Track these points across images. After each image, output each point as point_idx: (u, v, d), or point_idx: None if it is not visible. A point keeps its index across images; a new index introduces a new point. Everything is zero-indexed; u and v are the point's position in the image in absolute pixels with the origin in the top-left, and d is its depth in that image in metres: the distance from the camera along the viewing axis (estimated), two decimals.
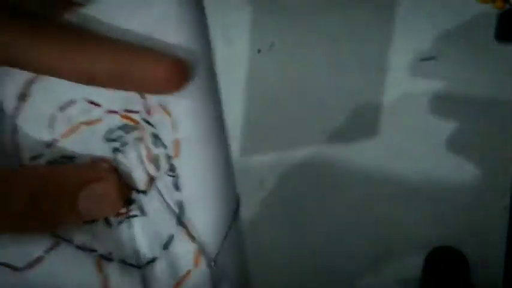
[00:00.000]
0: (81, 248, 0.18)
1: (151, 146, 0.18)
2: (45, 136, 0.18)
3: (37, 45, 0.16)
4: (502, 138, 0.80)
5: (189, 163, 0.18)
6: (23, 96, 0.18)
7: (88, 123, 0.18)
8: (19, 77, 0.18)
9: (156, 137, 0.18)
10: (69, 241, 0.18)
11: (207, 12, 0.19)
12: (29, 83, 0.18)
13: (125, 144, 0.18)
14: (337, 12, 0.88)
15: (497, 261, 0.67)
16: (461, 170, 0.81)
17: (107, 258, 0.18)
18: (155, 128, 0.18)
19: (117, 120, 0.18)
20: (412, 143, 0.83)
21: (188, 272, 0.18)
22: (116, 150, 0.18)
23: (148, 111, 0.18)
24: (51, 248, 0.17)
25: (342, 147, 0.83)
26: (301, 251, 0.82)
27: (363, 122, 0.84)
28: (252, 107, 0.87)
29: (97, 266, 0.18)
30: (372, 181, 0.82)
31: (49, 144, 0.18)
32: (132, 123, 0.18)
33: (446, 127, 0.83)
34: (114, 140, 0.18)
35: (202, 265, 0.18)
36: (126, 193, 0.18)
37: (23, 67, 0.16)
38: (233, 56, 0.88)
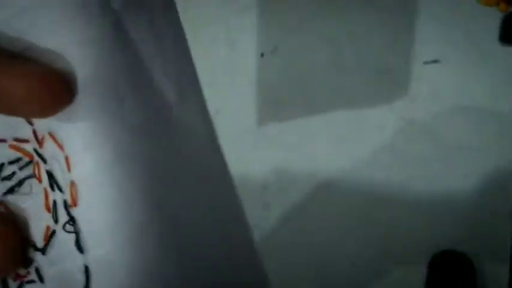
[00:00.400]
0: None
1: (48, 189, 0.14)
2: None
3: None
4: (507, 142, 0.80)
5: (91, 215, 0.14)
6: None
7: None
8: None
9: (51, 177, 0.14)
10: None
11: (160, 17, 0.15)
12: None
13: (20, 183, 0.15)
14: (340, 17, 0.88)
15: (502, 264, 0.67)
16: (466, 174, 0.80)
17: None
18: (48, 164, 0.14)
19: (7, 151, 0.14)
20: (417, 146, 0.82)
21: None
22: (10, 191, 0.15)
23: (39, 141, 0.14)
24: None
25: (345, 151, 0.83)
26: (303, 255, 0.81)
27: (367, 126, 0.84)
28: (254, 110, 0.87)
29: None
30: (377, 185, 0.81)
31: None
32: (25, 157, 0.14)
33: (451, 130, 0.82)
34: (7, 179, 0.15)
35: None
36: (24, 249, 0.14)
37: None
38: (236, 60, 0.88)
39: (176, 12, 0.16)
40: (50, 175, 0.14)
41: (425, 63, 0.85)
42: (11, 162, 0.14)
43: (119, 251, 0.14)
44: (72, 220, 0.14)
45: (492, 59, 0.83)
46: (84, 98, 0.13)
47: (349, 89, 0.85)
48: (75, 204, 0.14)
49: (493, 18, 0.81)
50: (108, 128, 0.14)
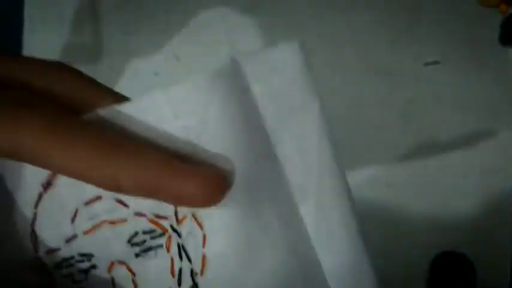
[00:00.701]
0: None
1: (175, 258, 0.17)
2: (65, 230, 0.17)
3: (60, 149, 0.14)
4: (507, 142, 0.80)
5: (215, 284, 0.16)
6: (47, 185, 0.16)
7: (112, 222, 0.17)
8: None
9: (182, 249, 0.17)
10: None
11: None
12: (55, 173, 0.16)
13: (148, 250, 0.17)
14: (341, 18, 0.88)
15: (503, 266, 0.67)
16: (466, 174, 0.80)
17: None
18: (183, 238, 0.17)
19: (143, 224, 0.17)
20: (418, 147, 0.82)
21: None
22: (137, 255, 0.17)
23: (178, 220, 0.17)
24: None
25: (346, 152, 0.83)
26: None
27: (368, 127, 0.84)
28: None
29: None
30: (377, 185, 0.81)
31: (68, 239, 0.17)
32: (159, 230, 0.17)
33: (452, 131, 0.82)
34: (137, 244, 0.17)
35: None
36: None
37: (45, 168, 0.15)
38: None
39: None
40: (182, 247, 0.17)
41: (426, 64, 0.85)
42: (145, 232, 0.17)
43: None
44: (195, 286, 0.16)
45: (492, 60, 0.83)
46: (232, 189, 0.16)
47: (349, 89, 0.86)
48: (202, 275, 0.16)
49: (493, 20, 0.81)
50: (244, 216, 0.17)
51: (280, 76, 0.17)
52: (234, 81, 0.16)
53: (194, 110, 0.16)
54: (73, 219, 0.17)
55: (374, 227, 0.81)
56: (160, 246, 0.17)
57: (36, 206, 0.17)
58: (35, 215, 0.17)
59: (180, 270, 0.17)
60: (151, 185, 0.15)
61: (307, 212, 0.17)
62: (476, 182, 0.80)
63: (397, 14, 0.88)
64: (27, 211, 0.16)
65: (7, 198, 0.17)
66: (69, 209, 0.17)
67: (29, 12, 0.86)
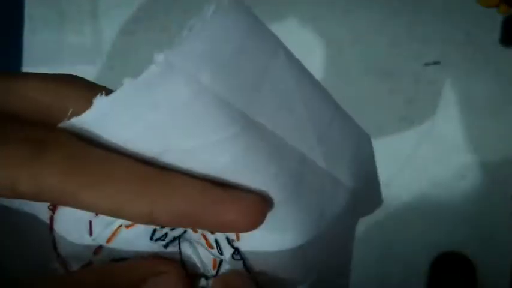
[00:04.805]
0: None
1: (206, 233, 0.17)
2: (88, 244, 0.16)
3: (87, 187, 0.14)
4: (507, 142, 0.80)
5: (254, 242, 0.16)
6: (54, 207, 0.16)
7: (127, 226, 0.16)
8: None
9: None
10: None
11: None
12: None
13: (174, 240, 0.17)
14: (341, 18, 0.88)
15: (503, 266, 0.67)
16: (466, 174, 0.80)
17: None
18: None
19: None
20: (418, 147, 0.82)
21: None
22: (166, 246, 0.17)
23: None
24: None
25: None
26: None
27: (368, 127, 0.84)
28: None
29: None
30: None
31: (96, 252, 0.16)
32: None
33: (452, 132, 0.82)
34: (160, 239, 0.17)
35: None
36: (192, 284, 0.17)
37: (73, 207, 0.15)
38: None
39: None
40: None
41: (426, 64, 0.85)
42: (163, 227, 0.16)
43: (285, 268, 0.16)
44: (237, 250, 0.16)
45: (492, 60, 0.83)
46: None
47: (349, 90, 0.86)
48: (238, 239, 0.16)
49: (493, 20, 0.81)
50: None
51: (227, 44, 0.15)
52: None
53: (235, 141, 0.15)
54: (91, 232, 0.16)
55: (374, 227, 0.81)
56: (184, 231, 0.17)
57: (51, 230, 0.16)
58: (54, 239, 0.16)
59: (217, 241, 0.16)
60: (190, 216, 0.14)
61: (313, 152, 0.17)
62: (476, 182, 0.80)
63: (397, 14, 0.88)
64: (45, 238, 0.16)
65: (21, 237, 0.16)
66: (84, 223, 0.16)
67: (29, 12, 0.86)
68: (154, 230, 0.16)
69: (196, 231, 0.17)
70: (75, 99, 0.15)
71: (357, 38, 0.88)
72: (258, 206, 0.15)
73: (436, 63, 0.84)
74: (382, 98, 0.85)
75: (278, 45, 0.16)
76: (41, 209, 0.16)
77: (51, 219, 0.16)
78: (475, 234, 0.79)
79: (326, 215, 0.17)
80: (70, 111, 0.15)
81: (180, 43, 0.14)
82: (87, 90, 0.15)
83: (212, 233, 0.17)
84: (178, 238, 0.17)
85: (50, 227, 0.16)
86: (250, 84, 0.15)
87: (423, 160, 0.82)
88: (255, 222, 0.15)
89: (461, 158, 0.81)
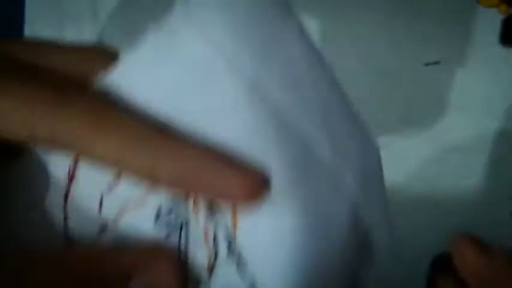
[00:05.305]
0: None
1: (207, 220, 0.16)
2: (96, 222, 0.17)
3: (100, 137, 0.14)
4: (507, 142, 0.80)
5: (252, 234, 0.16)
6: (71, 178, 0.16)
7: (136, 203, 0.16)
8: (65, 161, 0.16)
9: (211, 209, 0.16)
10: None
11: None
12: (76, 162, 0.16)
13: (179, 225, 0.16)
14: (340, 18, 0.88)
15: None
16: (466, 174, 0.80)
17: None
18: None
19: (165, 197, 0.16)
20: (417, 148, 0.82)
21: None
22: (169, 234, 0.17)
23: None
24: None
25: None
26: None
27: (366, 126, 0.84)
28: None
29: None
30: None
31: (100, 232, 0.17)
32: (182, 198, 0.16)
33: (451, 132, 0.82)
34: (166, 223, 0.17)
35: None
36: (188, 280, 0.16)
37: (81, 154, 0.15)
38: None
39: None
40: (210, 208, 0.16)
41: (426, 64, 0.85)
42: (170, 208, 0.16)
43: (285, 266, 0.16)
44: (232, 244, 0.16)
45: (492, 60, 0.83)
46: None
47: (349, 90, 0.85)
48: (235, 227, 0.16)
49: (493, 20, 0.81)
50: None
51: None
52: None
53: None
54: (100, 209, 0.16)
55: None
56: (189, 217, 0.17)
57: (65, 205, 0.16)
58: (66, 214, 0.17)
59: (215, 237, 0.16)
60: (189, 177, 0.15)
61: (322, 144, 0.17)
62: (476, 182, 0.80)
63: (397, 14, 0.88)
64: (59, 211, 0.16)
65: (41, 195, 0.17)
66: (95, 198, 0.16)
67: (29, 12, 0.86)
68: (160, 208, 0.16)
69: (195, 205, 0.16)
70: (101, 65, 0.16)
71: (357, 37, 0.88)
72: (259, 179, 0.15)
73: (436, 63, 0.84)
74: (382, 98, 0.85)
75: (297, 25, 0.17)
76: (59, 180, 0.16)
77: (67, 192, 0.17)
78: (475, 234, 0.79)
79: (327, 215, 0.17)
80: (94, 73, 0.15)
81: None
82: (112, 57, 0.16)
83: (212, 217, 0.16)
84: (180, 228, 0.16)
85: (65, 202, 0.17)
86: (262, 53, 0.15)
87: (423, 160, 0.82)
88: (253, 195, 0.15)
89: (461, 158, 0.81)
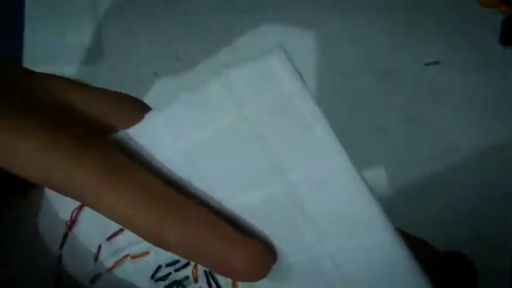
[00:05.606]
0: None
1: (204, 287, 0.16)
2: (90, 269, 0.16)
3: (111, 192, 0.14)
4: (507, 143, 0.80)
5: None
6: (72, 224, 0.16)
7: (134, 257, 0.16)
8: (70, 203, 0.16)
9: (210, 276, 0.16)
10: None
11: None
12: (79, 210, 0.16)
13: (173, 284, 0.16)
14: (340, 18, 0.88)
15: (504, 266, 0.67)
16: (466, 175, 0.80)
17: None
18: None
19: (166, 255, 0.16)
20: (418, 146, 0.82)
21: None
22: None
23: None
24: None
25: (347, 151, 0.83)
26: None
27: (368, 127, 0.84)
28: None
29: None
30: (376, 186, 0.81)
31: (92, 280, 0.16)
32: (182, 260, 0.16)
33: (452, 131, 0.82)
34: (161, 279, 0.16)
35: None
36: None
37: (90, 206, 0.15)
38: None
39: None
40: (210, 275, 0.15)
41: (426, 64, 0.85)
42: (168, 265, 0.16)
43: None
44: None
45: (492, 60, 0.83)
46: None
47: (349, 90, 0.86)
48: None
49: (493, 20, 0.81)
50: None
51: (273, 91, 0.15)
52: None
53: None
54: (96, 257, 0.16)
55: None
56: (186, 278, 0.16)
57: (61, 246, 0.16)
58: (60, 256, 0.16)
59: None
60: (197, 245, 0.14)
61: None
62: (476, 181, 0.80)
63: (397, 14, 0.88)
64: (53, 253, 0.16)
65: (35, 239, 0.16)
66: (93, 247, 0.16)
67: (29, 12, 0.86)
68: (159, 268, 0.16)
69: (196, 280, 0.16)
70: (126, 115, 0.16)
71: (357, 37, 0.88)
72: (265, 256, 0.14)
73: (436, 63, 0.84)
74: (382, 98, 0.85)
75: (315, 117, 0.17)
76: (58, 224, 0.16)
77: (66, 235, 0.16)
78: (475, 234, 0.79)
79: None
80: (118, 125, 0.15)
81: (240, 66, 0.15)
82: (138, 109, 0.16)
83: (212, 276, 0.16)
84: (178, 283, 0.16)
85: (61, 244, 0.16)
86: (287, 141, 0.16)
87: (423, 160, 0.82)
88: (258, 271, 0.14)
89: (461, 158, 0.81)
